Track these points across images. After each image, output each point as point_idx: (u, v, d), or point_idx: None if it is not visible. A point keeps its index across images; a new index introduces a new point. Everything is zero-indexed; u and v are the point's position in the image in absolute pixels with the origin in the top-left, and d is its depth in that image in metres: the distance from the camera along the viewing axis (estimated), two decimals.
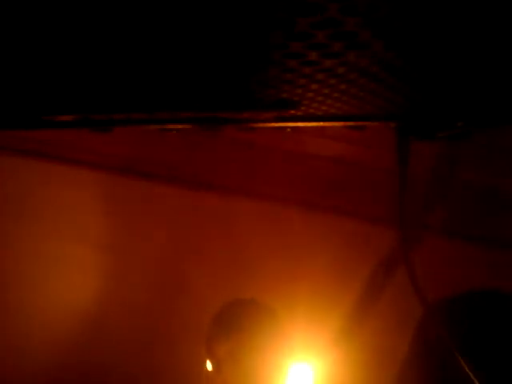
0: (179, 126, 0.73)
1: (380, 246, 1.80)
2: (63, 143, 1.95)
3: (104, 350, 1.98)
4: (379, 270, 1.77)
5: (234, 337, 1.34)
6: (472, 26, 0.39)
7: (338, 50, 0.42)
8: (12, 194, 1.98)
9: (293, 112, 0.64)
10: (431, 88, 0.58)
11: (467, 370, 0.73)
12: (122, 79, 0.51)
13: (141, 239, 2.01)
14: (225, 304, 1.45)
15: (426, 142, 0.77)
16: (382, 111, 0.69)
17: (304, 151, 1.93)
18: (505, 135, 1.67)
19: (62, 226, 2.00)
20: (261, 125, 0.71)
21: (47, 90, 0.54)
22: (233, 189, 1.98)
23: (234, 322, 1.36)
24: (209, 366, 1.39)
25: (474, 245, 1.88)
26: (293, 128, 0.74)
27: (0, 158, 1.93)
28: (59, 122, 0.64)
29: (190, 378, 1.58)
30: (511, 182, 1.82)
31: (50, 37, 0.38)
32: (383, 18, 0.36)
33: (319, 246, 1.91)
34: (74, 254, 2.00)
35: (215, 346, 1.35)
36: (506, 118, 0.71)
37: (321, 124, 0.73)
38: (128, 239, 2.01)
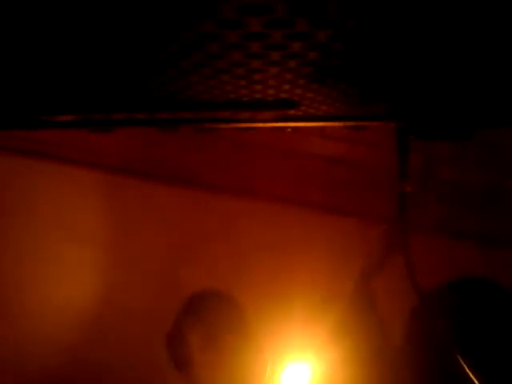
0: (179, 126, 0.73)
1: (380, 246, 1.80)
2: (63, 143, 1.95)
3: (103, 349, 1.98)
4: (379, 269, 1.77)
5: (209, 325, 1.28)
6: (472, 27, 0.39)
7: (338, 50, 0.42)
8: (11, 193, 1.98)
9: (293, 112, 0.64)
10: (432, 89, 0.58)
11: (460, 359, 0.73)
12: (121, 79, 0.51)
13: (140, 239, 2.01)
14: (191, 297, 1.40)
15: (425, 142, 0.77)
16: (382, 111, 0.69)
17: (304, 151, 1.93)
18: (505, 135, 1.67)
19: (62, 226, 2.00)
20: (261, 125, 0.71)
21: (46, 90, 0.54)
22: (233, 189, 1.98)
23: (204, 313, 1.31)
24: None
25: (473, 244, 1.88)
26: (293, 128, 0.75)
27: (0, 157, 1.93)
28: (59, 122, 0.64)
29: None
30: (511, 182, 1.82)
31: (50, 37, 0.38)
32: (384, 19, 0.36)
33: (319, 245, 1.91)
34: (73, 253, 2.00)
35: (187, 337, 1.29)
36: (507, 119, 0.71)
37: (321, 124, 0.73)
38: (127, 239, 2.01)
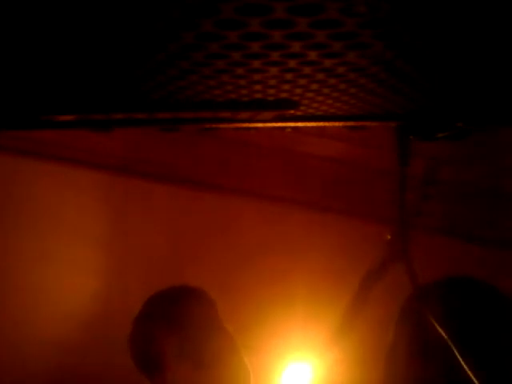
0: (179, 126, 0.73)
1: (379, 246, 1.80)
2: (63, 143, 1.95)
3: (103, 349, 1.98)
4: (378, 269, 1.77)
5: (181, 327, 1.16)
6: (472, 27, 0.39)
7: (338, 50, 0.42)
8: (11, 193, 1.98)
9: (293, 112, 0.64)
10: (431, 88, 0.58)
11: (455, 352, 0.74)
12: (120, 79, 0.51)
13: (140, 239, 2.01)
14: (156, 295, 1.32)
15: (426, 142, 0.77)
16: (382, 111, 0.69)
17: (304, 151, 1.93)
18: (504, 135, 1.67)
19: (62, 226, 2.00)
20: (261, 125, 0.71)
21: (46, 90, 0.54)
22: (232, 189, 1.98)
23: (175, 312, 1.20)
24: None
25: (474, 244, 1.88)
26: (293, 128, 0.75)
27: (0, 158, 1.93)
28: (59, 122, 0.64)
29: None
30: (511, 182, 1.82)
31: (49, 37, 0.38)
32: (383, 19, 0.36)
33: (318, 245, 1.91)
34: (73, 253, 2.00)
35: (158, 341, 1.17)
36: (506, 118, 0.71)
37: (321, 124, 0.73)
38: (127, 239, 2.01)
